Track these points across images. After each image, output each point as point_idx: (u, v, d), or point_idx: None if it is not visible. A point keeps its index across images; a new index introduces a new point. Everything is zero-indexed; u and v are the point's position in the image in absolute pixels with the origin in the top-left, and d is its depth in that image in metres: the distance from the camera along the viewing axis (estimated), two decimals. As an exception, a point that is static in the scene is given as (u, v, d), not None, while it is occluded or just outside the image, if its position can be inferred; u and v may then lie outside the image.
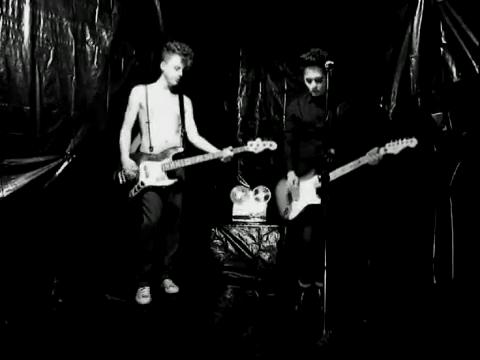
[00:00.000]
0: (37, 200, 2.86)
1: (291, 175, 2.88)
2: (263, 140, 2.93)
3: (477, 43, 2.93)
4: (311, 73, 2.75)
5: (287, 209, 2.92)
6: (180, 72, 2.89)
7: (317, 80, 2.75)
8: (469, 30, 2.96)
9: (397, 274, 3.24)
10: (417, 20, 3.26)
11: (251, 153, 2.95)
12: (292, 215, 2.88)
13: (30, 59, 2.81)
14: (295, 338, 2.35)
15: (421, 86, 3.27)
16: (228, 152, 2.89)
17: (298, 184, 2.85)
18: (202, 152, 2.99)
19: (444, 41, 3.10)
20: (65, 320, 2.50)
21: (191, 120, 3.10)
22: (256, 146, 2.92)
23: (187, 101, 3.09)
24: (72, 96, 3.04)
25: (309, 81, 2.80)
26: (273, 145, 2.94)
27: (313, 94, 2.83)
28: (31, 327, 2.35)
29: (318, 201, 2.65)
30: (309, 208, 2.80)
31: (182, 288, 3.11)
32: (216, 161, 2.95)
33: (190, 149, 3.06)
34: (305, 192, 2.83)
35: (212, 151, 2.96)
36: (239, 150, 2.93)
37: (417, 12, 3.25)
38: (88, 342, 2.22)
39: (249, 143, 2.94)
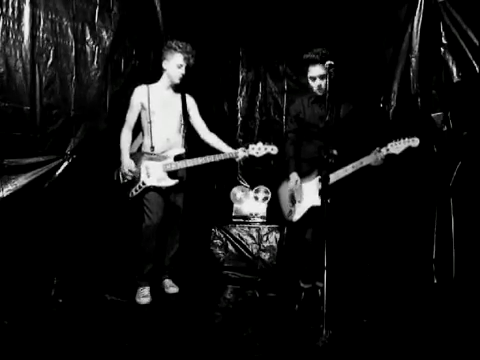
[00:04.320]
0: (37, 200, 2.86)
1: (294, 176, 2.87)
2: (264, 144, 2.92)
3: (477, 43, 2.93)
4: (314, 71, 2.74)
5: (291, 211, 2.90)
6: (183, 70, 2.90)
7: (321, 77, 2.73)
8: (469, 30, 2.96)
9: (397, 274, 3.24)
10: (417, 20, 3.26)
11: (252, 157, 2.94)
12: (296, 217, 2.87)
13: (30, 59, 2.81)
14: (295, 338, 2.35)
15: (421, 86, 3.27)
16: (242, 153, 2.90)
17: (301, 185, 2.85)
18: (214, 150, 2.98)
19: (444, 41, 3.10)
20: (65, 320, 2.50)
21: (198, 118, 3.09)
22: (257, 150, 2.92)
23: (190, 100, 3.08)
24: (72, 96, 3.04)
25: (313, 79, 2.77)
26: (274, 149, 2.93)
27: (318, 93, 2.79)
28: (31, 327, 2.35)
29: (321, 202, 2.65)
30: (312, 209, 2.79)
31: (182, 288, 3.11)
32: (218, 161, 2.94)
33: (193, 149, 3.05)
34: (308, 193, 2.83)
35: (227, 150, 2.95)
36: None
37: (417, 12, 3.25)
38: (88, 342, 2.21)
39: (251, 147, 2.93)
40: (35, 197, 2.85)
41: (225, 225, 3.87)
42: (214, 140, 3.06)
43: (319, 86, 2.77)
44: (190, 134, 3.08)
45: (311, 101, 2.92)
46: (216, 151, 2.97)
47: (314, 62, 2.72)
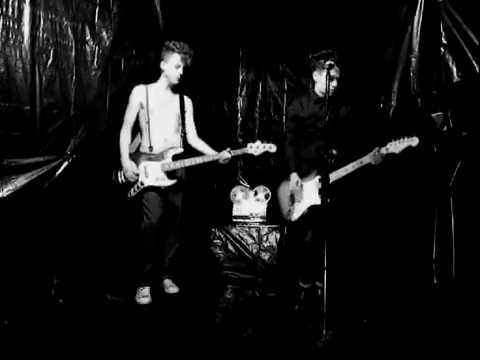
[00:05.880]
0: (37, 200, 2.86)
1: (294, 176, 2.87)
2: (263, 142, 2.93)
3: (477, 43, 2.93)
4: (334, 72, 2.70)
5: (290, 210, 2.91)
6: (181, 70, 2.90)
7: (338, 78, 2.77)
8: (469, 30, 2.96)
9: (397, 274, 3.24)
10: (417, 20, 3.26)
11: (251, 155, 2.95)
12: (295, 216, 2.87)
13: (30, 59, 2.81)
14: (295, 338, 2.35)
15: (421, 86, 3.27)
16: (226, 154, 2.89)
17: (301, 185, 2.85)
18: (200, 153, 2.99)
19: (444, 41, 3.10)
20: (65, 320, 2.50)
21: (191, 121, 3.10)
22: (256, 148, 2.92)
23: (188, 101, 3.09)
24: (72, 96, 3.04)
25: (332, 79, 2.70)
26: (273, 147, 2.94)
27: (326, 90, 2.76)
28: (31, 327, 2.35)
29: (320, 202, 2.65)
30: (312, 209, 2.79)
31: (182, 288, 3.11)
32: (216, 162, 2.95)
33: (189, 149, 3.06)
34: (308, 193, 2.83)
35: (210, 153, 2.96)
36: (239, 152, 2.94)
37: (417, 12, 3.25)
38: (88, 342, 2.22)
39: (249, 145, 2.94)
40: (35, 197, 2.85)
41: (225, 225, 3.87)
42: (200, 144, 3.06)
43: (335, 86, 2.78)
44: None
45: (311, 101, 2.92)
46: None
47: (333, 58, 2.67)
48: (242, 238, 3.80)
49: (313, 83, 2.98)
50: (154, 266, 2.96)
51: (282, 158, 3.01)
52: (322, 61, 2.75)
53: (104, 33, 3.17)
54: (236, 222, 3.94)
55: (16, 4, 2.74)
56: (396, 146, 2.57)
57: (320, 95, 2.88)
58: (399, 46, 3.37)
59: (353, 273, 3.35)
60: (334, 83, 2.76)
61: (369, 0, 3.61)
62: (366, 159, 2.64)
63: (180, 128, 3.03)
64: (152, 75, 3.08)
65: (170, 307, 2.86)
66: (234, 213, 4.03)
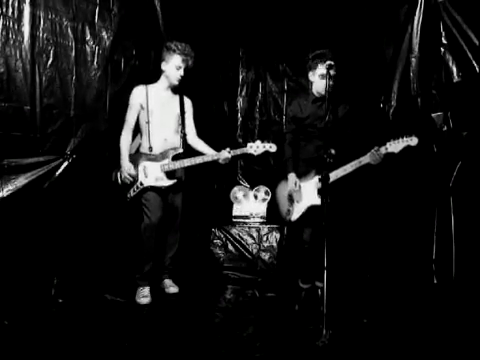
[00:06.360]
0: (37, 200, 2.86)
1: (292, 177, 2.87)
2: (263, 142, 2.93)
3: (477, 43, 2.93)
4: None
5: (289, 211, 2.91)
6: (181, 72, 2.90)
7: (334, 76, 2.73)
8: (469, 30, 2.96)
9: (397, 274, 3.24)
10: (417, 20, 3.26)
11: (250, 155, 2.95)
12: (294, 217, 2.87)
13: (30, 59, 2.81)
14: (295, 338, 2.35)
15: (421, 86, 3.27)
16: (226, 154, 2.89)
17: (299, 186, 2.85)
18: (200, 153, 3.00)
19: (444, 41, 3.10)
20: (65, 320, 2.50)
21: (191, 122, 3.11)
22: (256, 148, 2.92)
23: (188, 102, 3.09)
24: (72, 96, 3.04)
25: (323, 76, 2.67)
26: (273, 147, 2.94)
27: (322, 93, 2.76)
28: (31, 327, 2.35)
29: (320, 202, 2.65)
30: (311, 209, 2.79)
31: (182, 288, 3.11)
32: (216, 161, 2.95)
33: (189, 150, 3.06)
34: (307, 193, 2.83)
35: (209, 153, 2.96)
36: (238, 152, 2.94)
37: (417, 12, 3.25)
38: (88, 342, 2.22)
39: (249, 145, 2.94)
40: (35, 197, 2.85)
41: (225, 225, 3.87)
42: (200, 144, 3.06)
43: (330, 84, 2.75)
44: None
45: (310, 101, 2.92)
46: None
47: (329, 59, 2.64)
48: (242, 238, 3.80)
49: (311, 83, 2.98)
50: (154, 266, 2.96)
51: (281, 158, 3.01)
52: (317, 60, 2.76)
53: (104, 33, 3.17)
54: (236, 222, 3.94)
55: (16, 4, 2.74)
56: (395, 146, 2.57)
57: (317, 95, 2.87)
58: (399, 46, 3.37)
59: (353, 273, 3.35)
60: (330, 81, 2.75)
61: (369, 0, 3.61)
62: (365, 159, 2.64)
63: (180, 128, 3.03)
64: (152, 75, 3.09)
65: (170, 307, 2.86)
66: (234, 213, 4.03)
